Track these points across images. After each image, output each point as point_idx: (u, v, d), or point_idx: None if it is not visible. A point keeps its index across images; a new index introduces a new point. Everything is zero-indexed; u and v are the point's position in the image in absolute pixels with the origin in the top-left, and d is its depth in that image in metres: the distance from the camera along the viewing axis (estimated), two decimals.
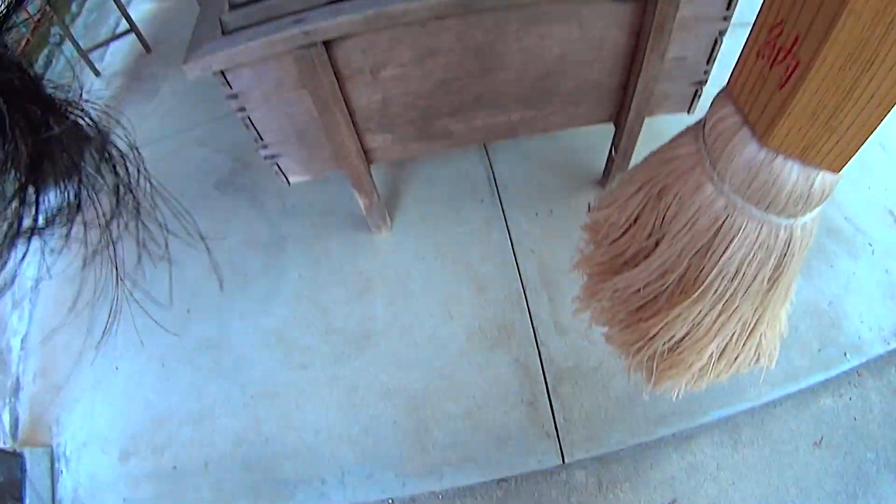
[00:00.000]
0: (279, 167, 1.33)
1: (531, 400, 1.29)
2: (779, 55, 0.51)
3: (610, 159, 1.50)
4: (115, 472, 1.40)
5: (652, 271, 0.74)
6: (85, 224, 0.28)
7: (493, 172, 1.46)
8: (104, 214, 0.29)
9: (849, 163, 0.59)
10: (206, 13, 1.19)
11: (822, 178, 0.60)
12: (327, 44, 1.10)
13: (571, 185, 1.53)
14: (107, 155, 0.28)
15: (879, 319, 1.48)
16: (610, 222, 0.81)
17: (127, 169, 0.29)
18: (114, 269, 0.31)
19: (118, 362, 1.59)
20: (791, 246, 0.67)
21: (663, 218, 0.72)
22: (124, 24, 2.35)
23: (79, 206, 0.27)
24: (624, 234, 0.80)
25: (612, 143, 1.45)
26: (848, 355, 1.44)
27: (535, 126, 1.29)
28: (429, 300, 1.37)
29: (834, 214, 1.51)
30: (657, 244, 0.74)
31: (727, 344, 0.76)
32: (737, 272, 0.67)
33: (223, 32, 1.11)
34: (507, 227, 1.40)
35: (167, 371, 1.52)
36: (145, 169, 0.30)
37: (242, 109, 1.20)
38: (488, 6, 1.09)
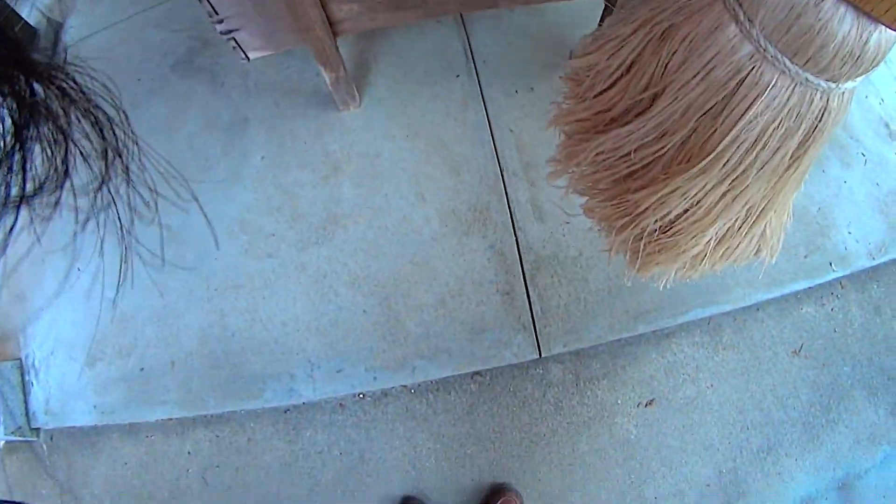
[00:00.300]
0: (237, 42, 1.21)
1: (507, 289, 1.23)
2: None
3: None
4: (84, 378, 1.35)
5: (647, 131, 0.62)
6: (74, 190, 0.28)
7: (470, 47, 1.35)
8: (93, 179, 0.29)
9: None
10: None
11: (881, 35, 0.48)
12: None
13: (555, 63, 1.41)
14: (93, 118, 0.28)
15: (867, 233, 1.45)
16: (597, 70, 0.68)
17: (114, 132, 0.29)
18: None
19: (79, 263, 1.50)
20: (825, 118, 0.56)
21: (666, 66, 0.60)
22: None
23: (66, 172, 0.27)
24: (613, 84, 0.67)
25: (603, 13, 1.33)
26: (833, 265, 1.41)
27: None
28: (400, 182, 1.28)
29: None
30: (655, 99, 0.62)
31: (728, 229, 0.66)
32: (756, 141, 0.56)
33: None
34: (484, 104, 1.30)
35: (128, 268, 1.43)
36: (133, 132, 0.30)
37: None
38: None
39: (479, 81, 1.34)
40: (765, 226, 0.68)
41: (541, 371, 1.27)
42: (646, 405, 1.30)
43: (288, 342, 1.29)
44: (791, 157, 0.59)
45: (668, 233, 0.67)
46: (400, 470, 1.28)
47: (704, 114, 0.57)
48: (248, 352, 1.32)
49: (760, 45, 0.52)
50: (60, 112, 0.26)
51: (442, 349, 1.23)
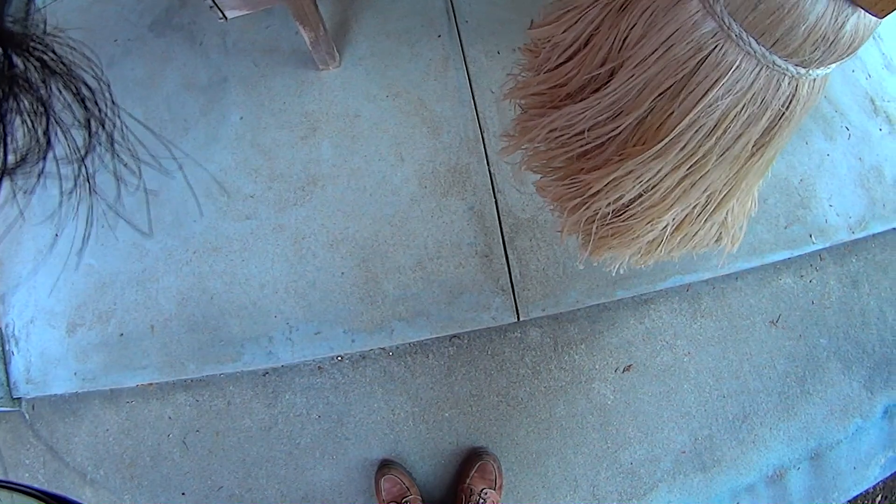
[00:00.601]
0: (214, 1, 1.20)
1: (486, 252, 1.23)
2: None
3: None
4: (64, 345, 1.34)
5: (601, 109, 0.58)
6: (57, 162, 0.28)
7: (452, 6, 1.33)
8: (76, 151, 0.28)
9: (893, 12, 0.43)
10: None
11: (859, 18, 0.44)
12: None
13: None
14: (74, 90, 0.27)
15: (847, 207, 1.46)
16: (554, 42, 0.64)
17: (96, 103, 0.29)
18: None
19: (57, 229, 1.49)
20: (792, 106, 0.52)
21: (624, 40, 0.56)
22: None
23: (48, 144, 0.26)
24: (571, 58, 0.63)
25: None
26: (813, 238, 1.41)
27: None
28: (379, 142, 1.26)
29: None
30: (612, 75, 0.58)
31: (687, 216, 0.63)
32: (716, 126, 0.52)
33: None
34: (465, 65, 1.29)
35: (106, 232, 1.42)
36: (114, 102, 0.29)
37: None
38: None
39: (460, 41, 1.32)
40: (726, 213, 0.65)
41: (519, 335, 1.27)
42: (623, 371, 1.30)
43: (266, 305, 1.29)
44: (754, 145, 0.56)
45: (621, 217, 0.64)
46: (378, 433, 1.29)
47: (662, 94, 0.53)
48: (227, 315, 1.31)
49: (724, 23, 0.48)
50: (41, 84, 0.25)
51: (420, 312, 1.23)
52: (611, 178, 0.60)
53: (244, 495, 1.30)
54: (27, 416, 1.38)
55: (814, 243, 1.42)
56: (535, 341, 1.27)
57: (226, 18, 1.23)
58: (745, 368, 1.39)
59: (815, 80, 0.52)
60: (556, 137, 0.65)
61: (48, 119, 0.26)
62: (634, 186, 0.59)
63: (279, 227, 1.27)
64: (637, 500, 1.29)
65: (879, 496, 1.51)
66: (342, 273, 1.24)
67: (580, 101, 0.61)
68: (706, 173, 0.58)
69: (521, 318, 1.23)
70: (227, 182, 1.28)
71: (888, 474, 1.47)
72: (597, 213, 0.64)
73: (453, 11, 1.33)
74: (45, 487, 0.46)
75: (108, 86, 0.29)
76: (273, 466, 1.31)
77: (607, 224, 0.65)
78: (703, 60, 0.50)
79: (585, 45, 0.61)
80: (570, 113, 0.61)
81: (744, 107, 0.51)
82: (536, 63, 0.68)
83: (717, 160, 0.56)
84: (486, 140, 1.26)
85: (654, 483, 1.30)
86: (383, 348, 1.28)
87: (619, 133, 0.59)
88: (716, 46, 0.49)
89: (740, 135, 0.54)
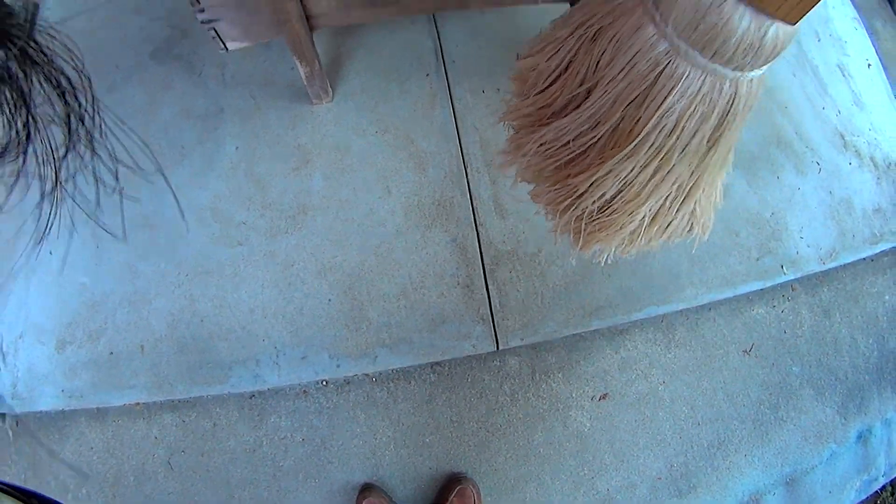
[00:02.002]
0: (217, 32, 1.26)
1: (467, 283, 1.27)
2: None
3: None
4: (53, 362, 1.36)
5: (582, 122, 0.69)
6: (37, 157, 0.27)
7: (440, 46, 1.41)
8: (56, 147, 0.28)
9: (806, 15, 0.54)
10: None
11: (777, 28, 0.55)
12: None
13: None
14: (55, 82, 0.27)
15: (818, 238, 1.51)
16: (538, 70, 0.76)
17: (76, 97, 0.28)
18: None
19: (51, 246, 1.52)
20: (735, 103, 0.63)
21: (598, 63, 0.67)
22: None
23: (28, 138, 0.26)
24: (553, 82, 0.74)
25: None
26: (785, 268, 1.46)
27: None
28: (367, 176, 1.32)
29: (786, 126, 1.51)
30: (589, 93, 0.69)
31: (661, 207, 0.73)
32: (675, 126, 0.64)
33: None
34: (451, 102, 1.35)
35: (101, 252, 1.46)
36: (95, 97, 0.29)
37: None
38: None
39: (447, 80, 1.39)
40: (695, 204, 0.75)
41: (498, 363, 1.31)
42: (599, 399, 1.34)
43: (254, 329, 1.32)
44: (709, 140, 0.66)
45: (605, 212, 0.74)
46: (360, 457, 1.32)
47: (630, 103, 0.64)
48: (216, 337, 1.35)
49: (673, 42, 0.59)
50: (21, 75, 0.25)
51: (403, 339, 1.27)
52: (593, 179, 0.71)
53: None
54: (10, 433, 1.39)
55: (785, 274, 1.47)
56: (514, 369, 1.31)
57: (227, 49, 1.29)
58: (720, 396, 1.43)
59: (751, 80, 0.62)
60: (546, 150, 0.75)
61: (28, 112, 0.25)
62: (614, 184, 0.70)
63: (270, 254, 1.32)
64: None
65: None
66: (329, 300, 1.28)
67: (564, 116, 0.72)
68: (672, 167, 0.68)
69: (500, 347, 1.27)
70: (221, 209, 1.33)
71: (863, 498, 1.51)
72: (584, 211, 0.74)
73: (441, 52, 1.40)
74: (20, 484, 0.45)
75: (90, 81, 0.28)
76: (256, 489, 1.33)
77: (594, 220, 0.76)
78: (660, 74, 0.61)
79: (566, 70, 0.72)
80: (557, 128, 0.72)
81: (696, 107, 0.62)
82: (525, 88, 0.79)
83: (679, 155, 0.67)
84: (469, 175, 1.31)
85: None
86: (367, 374, 1.31)
87: (598, 140, 0.69)
88: (669, 62, 0.61)
89: (696, 131, 0.65)
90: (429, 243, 1.27)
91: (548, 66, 0.73)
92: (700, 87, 0.61)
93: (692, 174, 0.70)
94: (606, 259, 0.83)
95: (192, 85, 1.42)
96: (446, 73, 1.39)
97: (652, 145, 0.65)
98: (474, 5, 1.22)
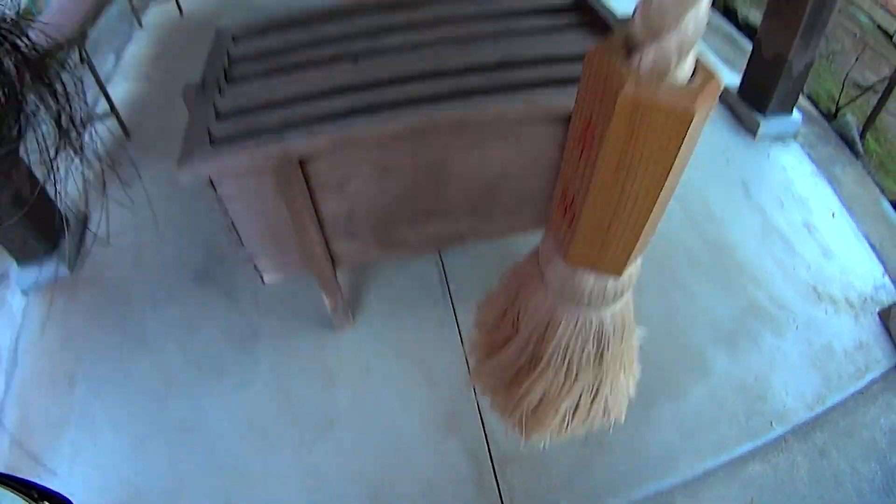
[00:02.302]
0: (256, 267, 1.46)
1: (480, 482, 1.41)
2: (567, 208, 0.77)
3: None
4: None
5: (513, 352, 0.99)
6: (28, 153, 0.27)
7: (445, 275, 1.61)
8: (48, 146, 0.29)
9: (628, 268, 0.82)
10: (195, 119, 1.30)
11: (613, 281, 0.83)
12: (301, 159, 1.22)
13: None
14: (47, 80, 0.28)
15: (803, 388, 1.62)
16: (487, 317, 1.09)
17: (68, 97, 0.29)
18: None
19: (96, 438, 1.67)
20: (605, 329, 0.91)
21: (518, 313, 0.98)
22: (102, 104, 2.39)
23: (20, 134, 0.27)
24: (498, 326, 1.05)
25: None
26: (774, 424, 1.57)
27: (481, 233, 1.43)
28: (387, 392, 1.51)
29: (759, 295, 1.65)
30: (518, 331, 1.00)
31: (578, 404, 0.99)
32: (566, 350, 0.92)
33: (211, 142, 1.21)
34: (457, 325, 1.54)
35: (144, 448, 1.61)
36: (86, 102, 0.30)
37: (226, 214, 1.31)
38: (436, 130, 1.22)
39: (452, 305, 1.60)
40: (605, 399, 0.99)
41: None
42: None
43: None
44: (595, 356, 0.92)
45: (537, 411, 0.99)
46: None
47: (537, 339, 0.93)
48: None
49: (557, 300, 0.88)
50: (13, 70, 0.28)
51: None
52: (524, 390, 0.97)
53: None
54: None
55: (775, 429, 1.57)
56: None
57: (263, 282, 1.48)
58: None
59: (613, 312, 0.89)
60: (495, 372, 1.02)
61: (20, 108, 0.28)
62: (538, 392, 0.96)
63: (301, 462, 1.48)
64: None
65: None
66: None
67: (503, 348, 1.01)
68: (576, 377, 0.93)
69: None
70: (256, 421, 1.50)
71: None
72: (524, 411, 0.99)
73: (446, 279, 1.63)
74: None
75: (81, 80, 0.32)
76: None
77: (531, 417, 1.00)
78: (550, 320, 0.89)
79: (503, 317, 1.02)
80: (500, 356, 1.01)
81: (576, 337, 0.89)
82: (482, 329, 1.11)
83: (576, 368, 0.92)
84: (476, 389, 1.48)
85: None
86: None
87: (524, 364, 0.97)
88: (554, 311, 0.89)
89: (583, 351, 0.91)
90: (443, 450, 1.43)
91: (493, 315, 1.06)
92: (576, 324, 0.89)
93: (595, 379, 0.96)
94: (546, 443, 1.05)
95: (228, 309, 1.62)
96: (451, 299, 1.60)
97: (555, 364, 0.92)
98: (470, 239, 1.41)
